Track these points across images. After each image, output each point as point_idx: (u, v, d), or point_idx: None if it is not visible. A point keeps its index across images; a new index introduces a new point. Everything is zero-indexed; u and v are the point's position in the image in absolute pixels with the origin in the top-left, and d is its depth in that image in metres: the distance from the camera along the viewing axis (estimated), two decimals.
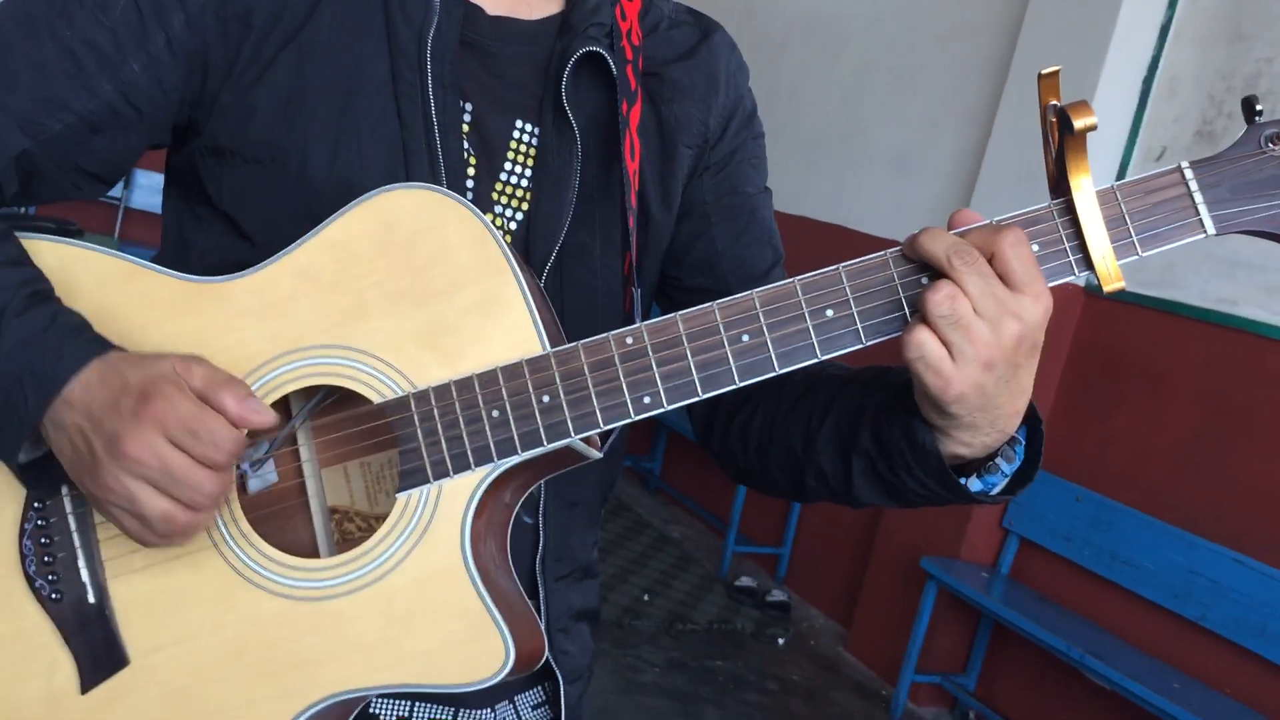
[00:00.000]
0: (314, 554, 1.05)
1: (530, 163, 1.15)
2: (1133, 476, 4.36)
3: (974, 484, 1.03)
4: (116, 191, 6.67)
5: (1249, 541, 3.92)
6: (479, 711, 1.20)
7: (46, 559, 1.02)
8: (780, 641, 5.17)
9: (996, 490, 1.04)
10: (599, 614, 1.33)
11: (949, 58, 5.42)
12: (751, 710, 4.43)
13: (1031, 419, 1.03)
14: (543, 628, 1.15)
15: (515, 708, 1.24)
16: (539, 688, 1.26)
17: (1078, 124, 0.87)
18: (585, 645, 1.29)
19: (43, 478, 1.01)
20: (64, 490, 1.02)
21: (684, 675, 4.58)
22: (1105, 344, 4.53)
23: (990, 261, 0.89)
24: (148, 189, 6.51)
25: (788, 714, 4.48)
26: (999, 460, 1.02)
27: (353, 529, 1.08)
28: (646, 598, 5.25)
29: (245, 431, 0.95)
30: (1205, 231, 0.91)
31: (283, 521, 1.06)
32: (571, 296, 1.16)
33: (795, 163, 6.31)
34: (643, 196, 1.19)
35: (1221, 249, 4.06)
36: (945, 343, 0.89)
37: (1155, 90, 4.46)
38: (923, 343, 0.90)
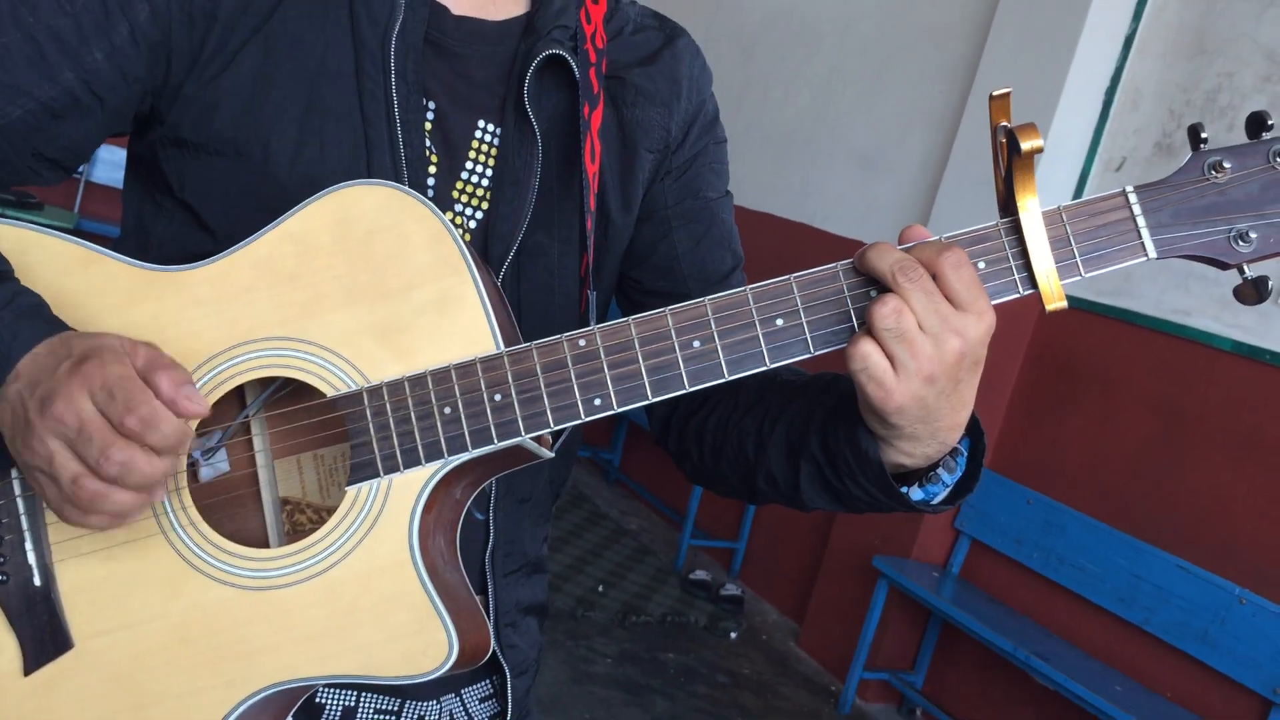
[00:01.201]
0: (264, 544, 1.06)
1: (491, 162, 1.16)
2: (1084, 482, 4.42)
3: (915, 493, 1.06)
4: None
5: (1194, 548, 3.99)
6: (426, 704, 1.21)
7: None
8: (732, 635, 5.21)
9: (938, 499, 1.07)
10: (547, 608, 1.34)
11: (918, 61, 5.46)
12: (701, 703, 4.46)
13: (974, 431, 1.05)
14: (490, 622, 1.17)
15: (462, 700, 1.25)
16: (486, 680, 1.27)
17: (1025, 146, 0.89)
18: (533, 639, 1.31)
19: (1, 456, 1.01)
20: (13, 473, 1.02)
21: (635, 667, 4.60)
22: (1061, 350, 4.60)
23: (935, 280, 0.91)
24: (109, 164, 6.44)
25: (737, 707, 4.51)
26: (940, 470, 1.04)
27: (304, 520, 1.09)
28: (601, 589, 5.27)
29: (181, 418, 0.93)
30: (1146, 255, 0.93)
31: (234, 511, 1.06)
32: (528, 296, 1.17)
33: (763, 159, 6.34)
34: (602, 199, 1.20)
35: (1177, 261, 4.10)
36: (889, 355, 0.91)
37: (1117, 101, 4.51)
38: (867, 354, 0.92)
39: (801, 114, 6.21)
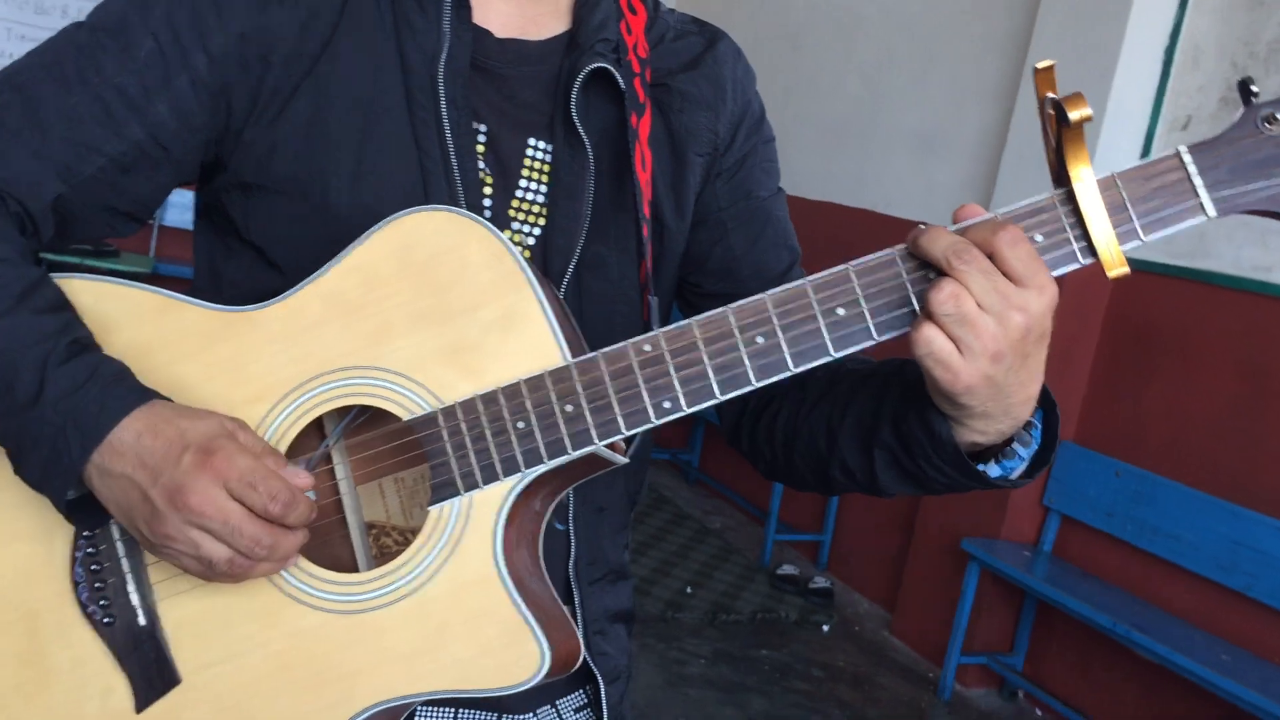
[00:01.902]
0: (354, 568, 1.09)
1: (545, 179, 1.18)
2: (1171, 449, 4.34)
3: (993, 469, 1.05)
4: None
5: None
6: (522, 716, 1.23)
7: (97, 585, 1.06)
8: (825, 628, 5.18)
9: (1016, 474, 1.06)
10: (634, 614, 1.35)
11: (967, 37, 5.40)
12: (799, 698, 4.45)
13: (1045, 402, 1.05)
14: (579, 630, 1.19)
15: (558, 711, 1.26)
16: (580, 690, 1.29)
17: (1073, 116, 0.88)
18: (623, 646, 1.32)
19: (87, 515, 1.05)
20: (111, 521, 1.06)
21: (729, 666, 4.60)
22: (1138, 317, 4.51)
23: (991, 259, 0.91)
24: (180, 206, 6.57)
25: (835, 700, 4.49)
26: (1015, 445, 1.04)
27: (390, 543, 1.11)
28: (689, 590, 5.28)
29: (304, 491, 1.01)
30: (1206, 214, 0.92)
31: (323, 538, 1.09)
32: (590, 307, 1.19)
33: (818, 150, 6.31)
34: (656, 206, 1.22)
35: (1253, 217, 4.01)
36: (953, 338, 0.91)
37: (1178, 60, 4.43)
38: (931, 339, 0.92)
39: (853, 101, 6.17)
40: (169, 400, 1.03)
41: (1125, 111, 4.43)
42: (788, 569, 5.63)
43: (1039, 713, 4.70)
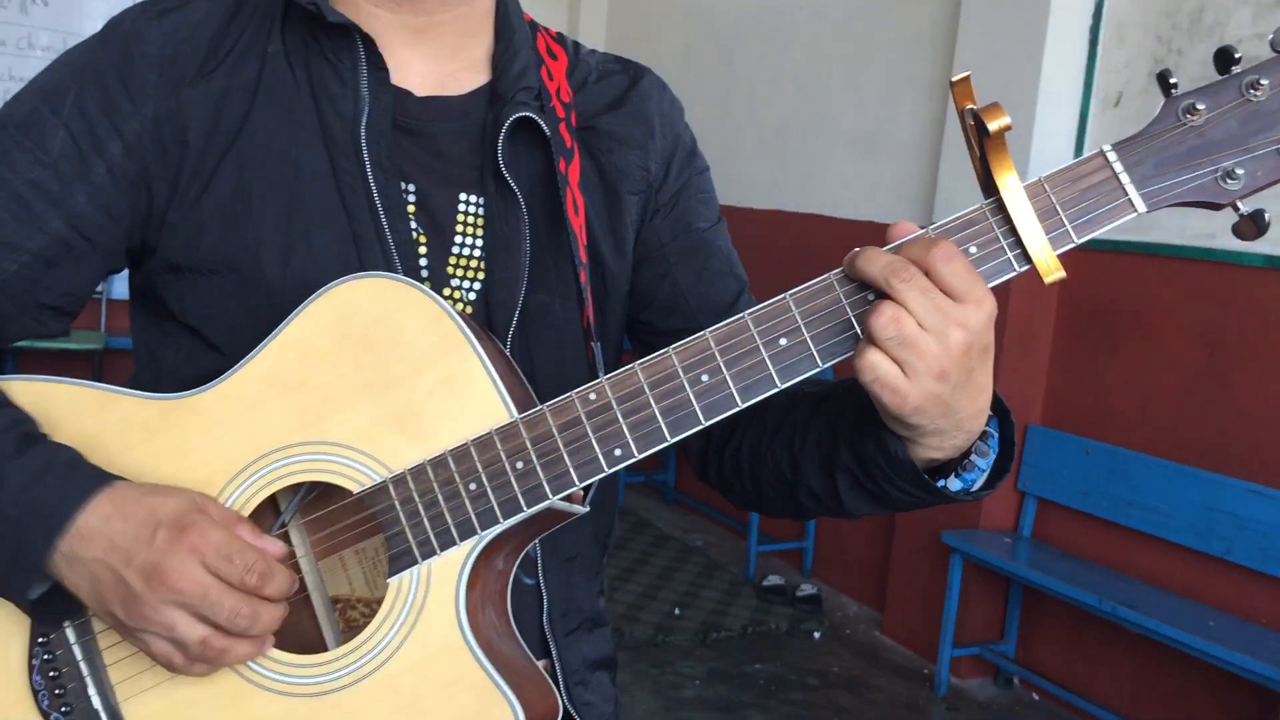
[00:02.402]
0: (324, 647, 1.07)
1: (480, 232, 1.17)
2: (1138, 422, 4.37)
3: (954, 484, 1.05)
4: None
5: (1262, 470, 3.93)
6: None
7: (58, 691, 1.03)
8: (816, 635, 5.17)
9: (977, 485, 1.06)
10: (615, 661, 1.34)
11: (898, 34, 5.44)
12: (797, 709, 4.43)
13: (999, 410, 1.04)
14: (559, 686, 1.17)
15: None
16: None
17: (992, 126, 0.88)
18: (607, 693, 1.30)
19: (52, 611, 1.03)
20: (65, 623, 1.04)
21: (725, 684, 4.58)
22: (1093, 295, 4.55)
23: (928, 275, 0.91)
24: (125, 279, 6.53)
25: (833, 707, 4.48)
26: (974, 457, 1.03)
27: (357, 616, 1.09)
28: (677, 611, 5.26)
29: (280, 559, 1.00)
30: (1136, 210, 0.93)
31: (289, 619, 1.07)
32: (539, 357, 1.17)
33: (761, 158, 6.33)
34: (594, 249, 1.21)
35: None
36: (896, 361, 0.91)
37: (1104, 37, 4.48)
38: (875, 365, 0.91)
39: (791, 106, 6.20)
40: (129, 481, 1.01)
41: (1056, 94, 4.48)
42: (774, 579, 5.62)
43: (1035, 697, 4.71)
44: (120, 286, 6.47)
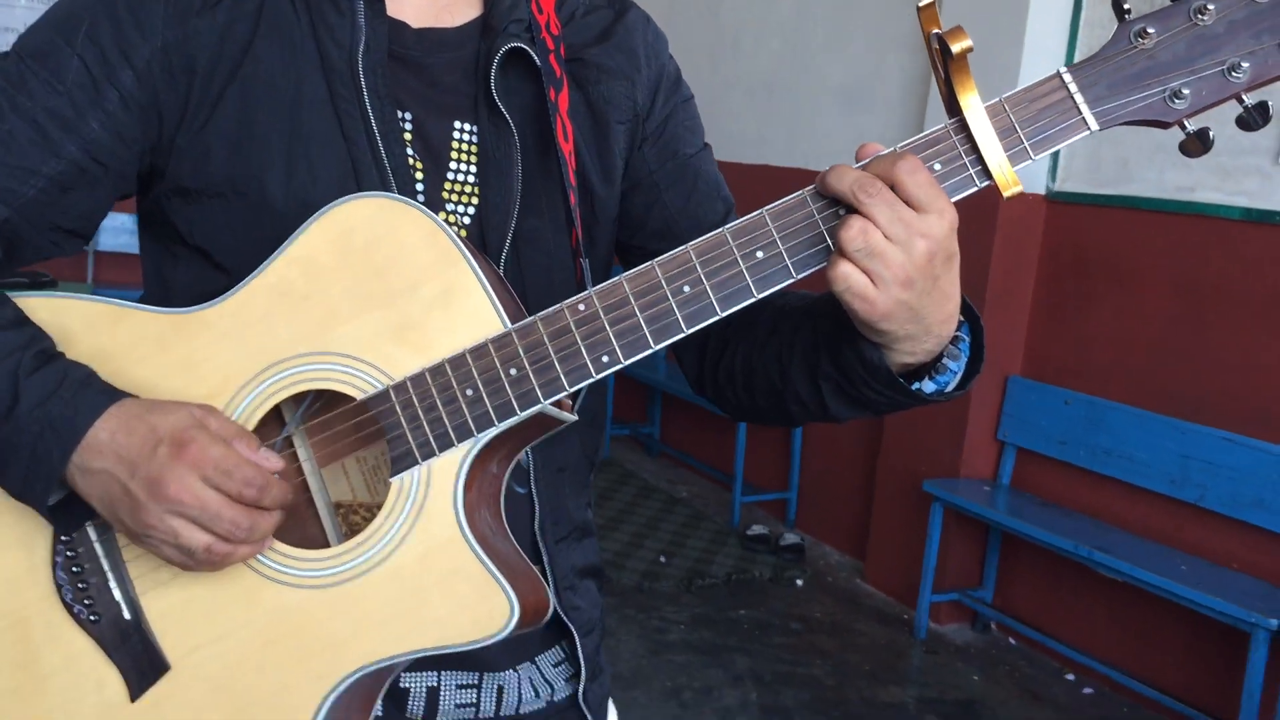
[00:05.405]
0: (327, 547, 1.13)
1: (474, 160, 1.22)
2: (1117, 372, 4.45)
3: (928, 386, 1.12)
4: None
5: (1236, 419, 4.02)
6: (504, 674, 1.28)
7: (80, 585, 1.10)
8: (799, 583, 5.28)
9: (951, 387, 1.13)
10: (602, 570, 1.41)
11: None
12: (779, 652, 4.54)
13: (969, 315, 1.11)
14: (549, 584, 1.24)
15: (538, 667, 1.32)
16: (557, 646, 1.34)
17: (955, 48, 0.94)
18: (594, 599, 1.37)
19: (69, 517, 1.10)
20: (86, 522, 1.10)
21: (710, 629, 4.68)
22: (1073, 246, 4.62)
23: (894, 189, 0.97)
24: (113, 230, 6.54)
25: (815, 651, 4.58)
26: (945, 360, 1.10)
27: (358, 520, 1.16)
28: (663, 559, 5.35)
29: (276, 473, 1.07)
30: (1089, 128, 0.99)
31: (294, 521, 1.13)
32: (531, 277, 1.23)
33: (747, 112, 6.37)
34: (582, 174, 1.27)
35: (1173, 140, 4.11)
36: (865, 271, 0.97)
37: None
38: (846, 275, 0.97)
39: (776, 60, 6.23)
40: (136, 397, 1.07)
41: (1041, 48, 4.52)
42: (757, 529, 5.71)
43: (1012, 641, 4.82)
44: (108, 238, 6.50)
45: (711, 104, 6.53)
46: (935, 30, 0.98)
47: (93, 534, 1.11)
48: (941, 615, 4.93)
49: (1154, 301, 4.32)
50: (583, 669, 1.32)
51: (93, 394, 1.06)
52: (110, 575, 1.10)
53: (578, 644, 1.32)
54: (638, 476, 6.68)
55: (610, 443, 7.16)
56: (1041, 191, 4.66)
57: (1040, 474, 4.74)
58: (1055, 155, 4.65)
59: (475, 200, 1.22)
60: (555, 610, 1.25)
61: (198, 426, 1.04)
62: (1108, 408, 4.44)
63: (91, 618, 1.10)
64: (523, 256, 1.23)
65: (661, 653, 4.42)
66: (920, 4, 0.97)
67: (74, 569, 1.10)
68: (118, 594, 1.10)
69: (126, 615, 1.10)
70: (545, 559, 1.28)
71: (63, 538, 1.10)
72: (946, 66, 0.97)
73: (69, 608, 1.10)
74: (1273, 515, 3.87)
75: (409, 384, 1.07)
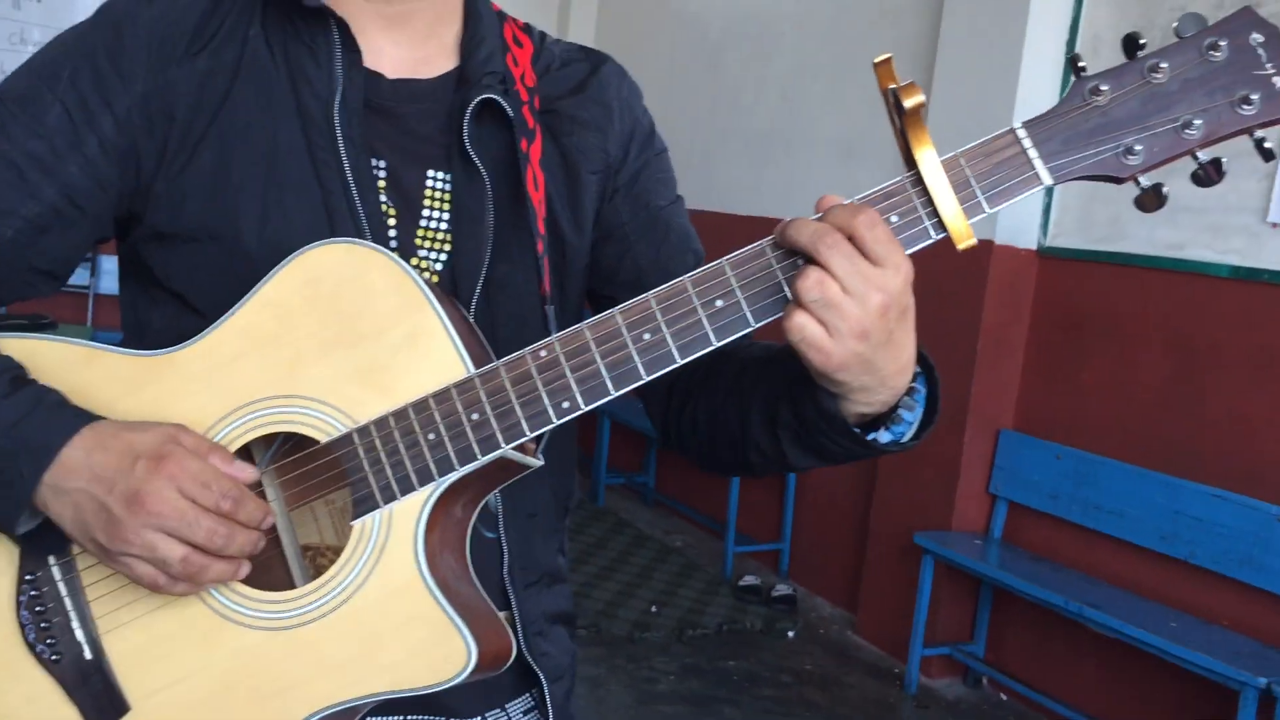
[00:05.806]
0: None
1: (446, 207, 1.24)
2: (1109, 428, 4.46)
3: (884, 436, 1.13)
4: (84, 280, 6.77)
5: (1226, 476, 4.02)
6: None
7: (43, 625, 1.10)
8: (790, 634, 5.25)
9: (906, 438, 1.14)
10: (574, 616, 1.41)
11: (878, 42, 5.54)
12: (769, 704, 4.50)
13: (926, 367, 1.12)
14: (517, 630, 1.24)
15: (507, 714, 1.31)
16: (527, 694, 1.34)
17: (908, 103, 0.96)
18: (565, 646, 1.37)
19: (38, 545, 1.11)
20: (50, 560, 1.11)
21: (699, 679, 4.65)
22: (1065, 302, 4.64)
23: (851, 241, 0.98)
24: (113, 274, 6.59)
25: (805, 704, 4.55)
26: (901, 411, 1.11)
27: (326, 563, 1.16)
28: (654, 609, 5.32)
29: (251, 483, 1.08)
30: (1042, 183, 1.00)
31: (262, 565, 1.14)
32: (502, 323, 1.25)
33: (744, 164, 6.42)
34: (553, 223, 1.28)
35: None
36: (821, 322, 0.98)
37: (1079, 49, 4.53)
38: (802, 325, 0.99)
39: (774, 114, 6.30)
40: (109, 419, 1.09)
41: (1033, 104, 4.56)
42: (750, 580, 5.69)
43: (1003, 697, 4.79)
44: (108, 281, 6.54)
45: (709, 154, 6.60)
46: (891, 85, 1.00)
47: (57, 573, 1.11)
48: (933, 669, 4.90)
49: (1145, 357, 4.34)
50: (551, 716, 1.32)
51: (67, 416, 1.08)
52: (73, 614, 1.11)
53: (546, 691, 1.31)
54: (633, 526, 6.66)
55: (605, 492, 7.15)
56: (1033, 247, 4.69)
57: (1032, 528, 4.74)
58: (1047, 211, 4.69)
59: (448, 247, 1.24)
60: (524, 656, 1.26)
61: (173, 442, 1.06)
62: (1099, 463, 4.44)
63: (53, 657, 1.10)
64: (494, 303, 1.25)
65: (650, 703, 4.38)
66: (876, 60, 0.99)
67: (37, 608, 1.11)
68: (80, 634, 1.10)
69: (88, 655, 1.10)
70: (514, 605, 1.28)
71: (27, 576, 1.11)
72: (902, 120, 0.99)
73: (31, 647, 1.10)
74: (1262, 573, 3.86)
75: (372, 427, 1.08)
